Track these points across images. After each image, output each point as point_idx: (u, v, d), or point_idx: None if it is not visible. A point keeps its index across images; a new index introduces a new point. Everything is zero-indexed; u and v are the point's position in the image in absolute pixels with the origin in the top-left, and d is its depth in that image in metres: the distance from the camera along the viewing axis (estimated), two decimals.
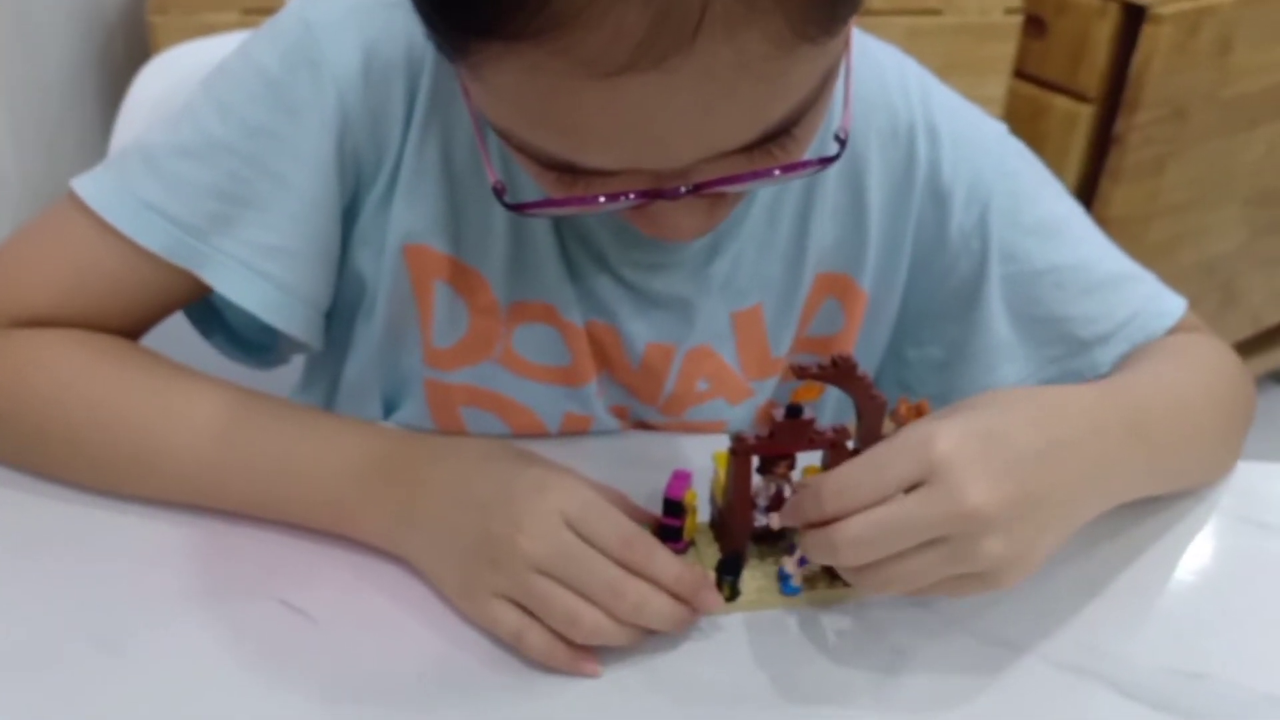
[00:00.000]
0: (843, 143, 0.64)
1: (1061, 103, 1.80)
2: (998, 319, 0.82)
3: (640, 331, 0.79)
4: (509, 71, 0.55)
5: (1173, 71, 1.75)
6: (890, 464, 0.61)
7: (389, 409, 0.84)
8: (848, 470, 0.61)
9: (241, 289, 0.73)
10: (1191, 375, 0.78)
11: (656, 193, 0.60)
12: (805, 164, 0.62)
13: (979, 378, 0.84)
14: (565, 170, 0.60)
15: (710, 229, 0.66)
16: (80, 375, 0.72)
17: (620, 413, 0.84)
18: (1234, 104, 1.86)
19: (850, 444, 0.69)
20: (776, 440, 0.67)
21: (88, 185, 0.73)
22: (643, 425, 0.85)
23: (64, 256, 0.74)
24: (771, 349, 0.83)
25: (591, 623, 0.63)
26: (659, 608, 0.64)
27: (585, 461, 0.73)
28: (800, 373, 0.65)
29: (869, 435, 0.68)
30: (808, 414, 0.67)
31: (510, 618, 0.64)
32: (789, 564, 0.69)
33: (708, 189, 0.60)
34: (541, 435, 0.82)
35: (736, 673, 0.66)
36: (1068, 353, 0.82)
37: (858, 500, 0.60)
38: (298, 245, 0.73)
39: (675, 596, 0.65)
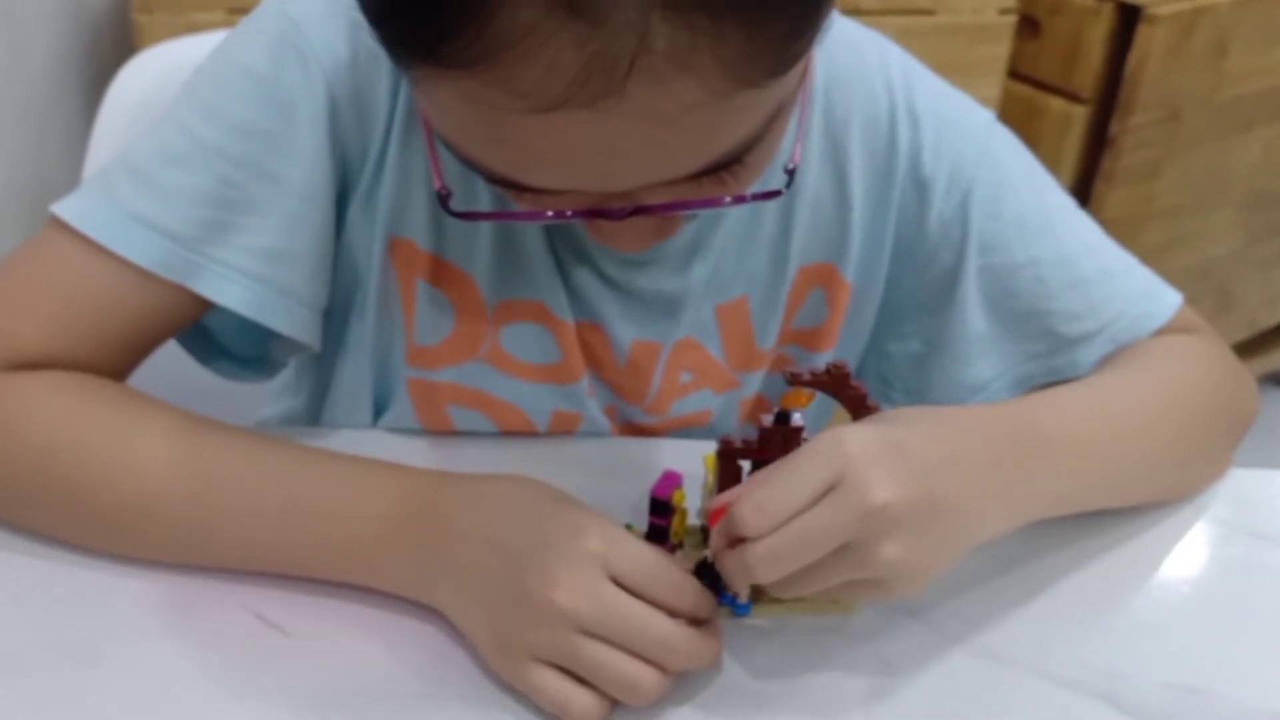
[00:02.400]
0: (790, 174, 0.64)
1: (1056, 104, 1.79)
2: (973, 311, 0.80)
3: (626, 329, 0.78)
4: (447, 93, 0.55)
5: (1168, 73, 1.74)
6: (803, 471, 0.59)
7: (378, 411, 0.82)
8: (763, 487, 0.59)
9: (243, 298, 0.70)
10: (1157, 383, 0.76)
11: (600, 212, 0.60)
12: (753, 196, 0.62)
13: (955, 372, 0.82)
14: (510, 186, 0.59)
15: (660, 242, 0.65)
16: (71, 424, 0.67)
17: (610, 412, 0.82)
18: (1229, 106, 1.85)
19: None
20: (764, 446, 0.66)
21: (70, 205, 0.70)
22: (630, 427, 0.84)
23: (50, 284, 0.70)
24: (757, 341, 0.82)
25: (651, 685, 0.60)
26: (709, 651, 0.62)
27: (572, 467, 0.72)
28: (794, 380, 0.64)
29: None
30: (797, 420, 0.66)
31: (551, 684, 0.60)
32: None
33: (653, 212, 0.60)
34: (530, 433, 0.80)
35: (720, 682, 0.65)
36: (1049, 349, 0.80)
37: (778, 515, 0.58)
38: (296, 246, 0.71)
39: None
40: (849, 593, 0.61)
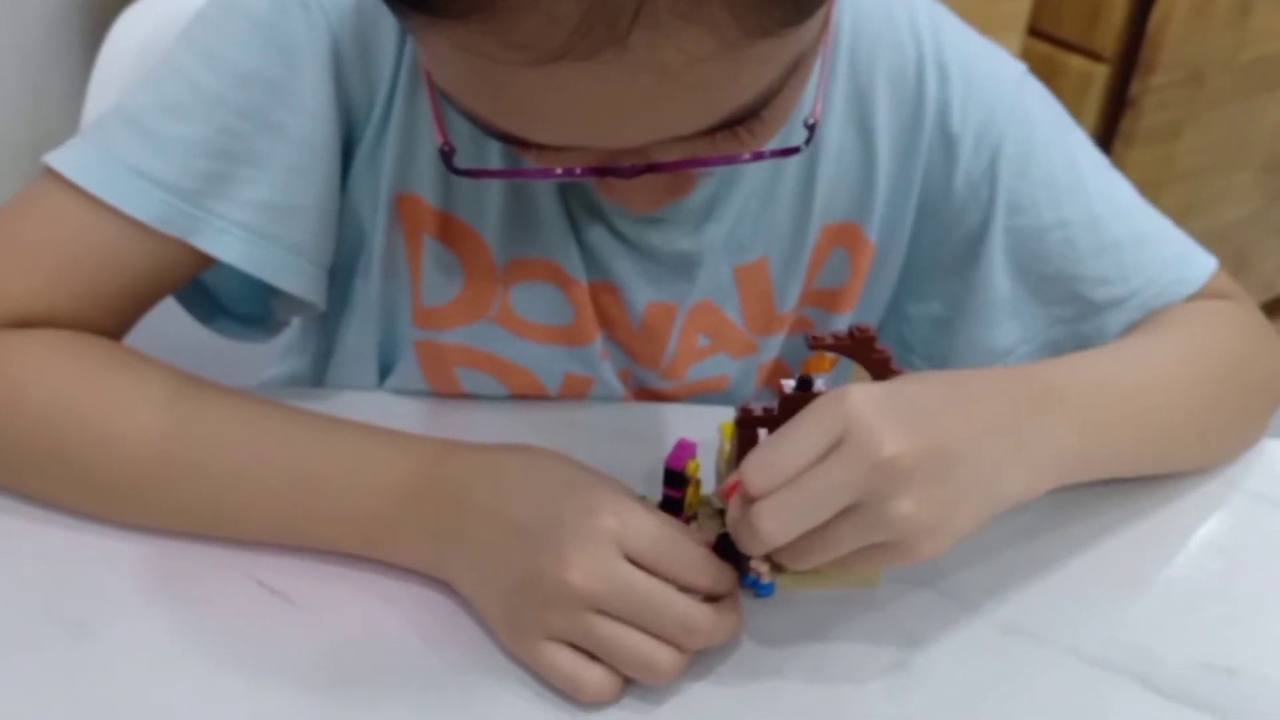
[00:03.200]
0: (811, 130, 0.62)
1: (1076, 62, 1.75)
2: (999, 273, 0.78)
3: (641, 290, 0.76)
4: (443, 45, 0.53)
5: (1190, 33, 1.71)
6: (806, 427, 0.57)
7: (384, 373, 0.79)
8: (767, 446, 0.57)
9: (244, 253, 0.67)
10: (1186, 348, 0.74)
11: (611, 170, 0.58)
12: (771, 153, 0.60)
13: (979, 335, 0.79)
14: (514, 142, 0.57)
15: (674, 201, 0.63)
16: (69, 389, 0.65)
17: (624, 376, 0.80)
18: (1252, 68, 1.82)
19: None
20: (784, 414, 0.63)
21: (65, 157, 0.67)
22: (644, 392, 0.81)
23: (45, 239, 0.67)
24: (777, 304, 0.79)
25: (669, 665, 0.58)
26: (728, 627, 0.60)
27: (584, 432, 0.71)
28: (817, 343, 0.61)
29: None
30: (819, 387, 0.63)
31: (565, 662, 0.58)
32: (755, 565, 0.63)
33: (665, 170, 0.57)
34: (541, 397, 0.78)
35: (737, 655, 0.63)
36: (1077, 314, 0.78)
37: (782, 473, 0.56)
38: (301, 200, 0.68)
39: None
40: (867, 561, 0.59)
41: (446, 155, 0.61)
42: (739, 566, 0.62)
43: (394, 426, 0.66)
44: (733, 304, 0.78)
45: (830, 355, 0.62)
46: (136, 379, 0.66)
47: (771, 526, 0.56)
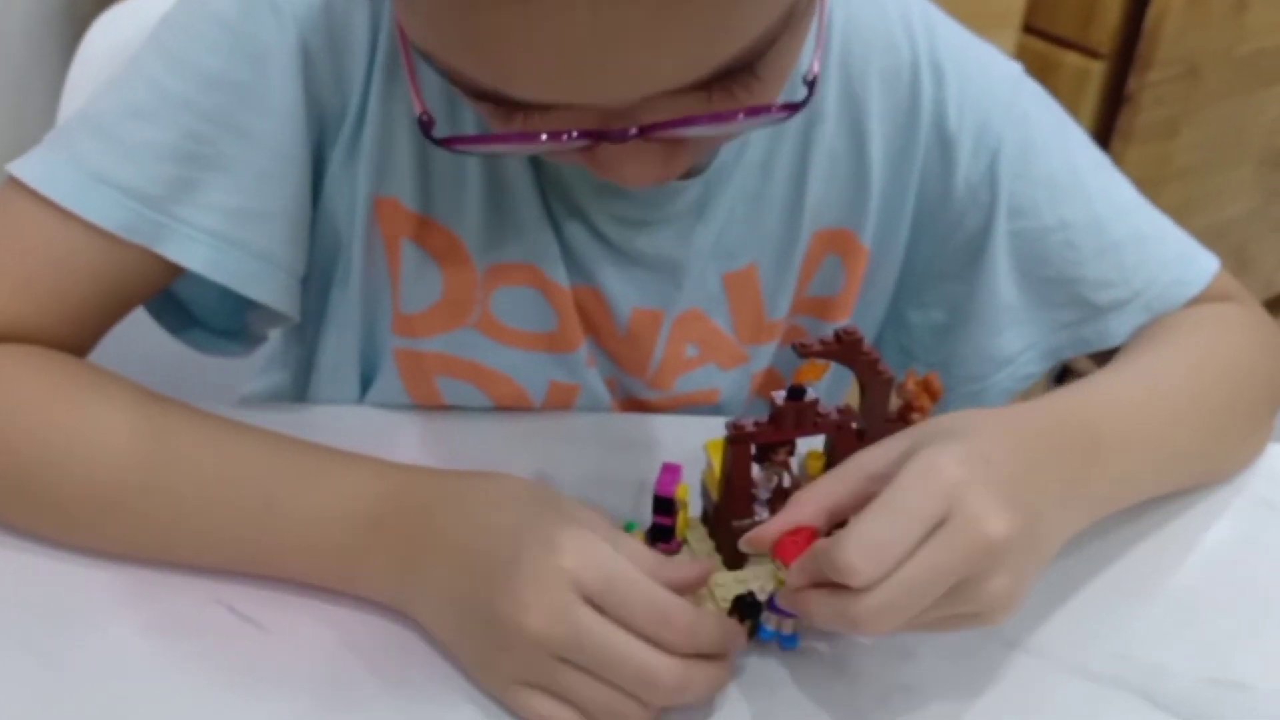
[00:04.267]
0: (811, 86, 0.58)
1: (1072, 59, 1.73)
2: (1003, 279, 0.76)
3: (625, 295, 0.74)
4: None
5: (1187, 28, 1.69)
6: (908, 506, 0.53)
7: (366, 384, 0.77)
8: (869, 528, 0.53)
9: (212, 261, 0.65)
10: (1196, 360, 0.72)
11: (601, 134, 0.54)
12: (767, 108, 0.55)
13: (981, 343, 0.78)
14: (498, 102, 0.54)
15: (667, 178, 0.59)
16: (32, 408, 0.63)
17: (610, 384, 0.78)
18: (1249, 62, 1.80)
19: (855, 425, 0.63)
20: (777, 426, 0.61)
21: (28, 165, 0.65)
22: (631, 403, 0.79)
23: (8, 249, 0.65)
24: (767, 312, 0.77)
25: (639, 718, 0.55)
26: (702, 681, 0.56)
27: (568, 444, 0.69)
28: (804, 351, 0.59)
29: (875, 414, 0.63)
30: (810, 395, 0.61)
31: (539, 707, 0.56)
32: (772, 621, 0.61)
33: (659, 132, 0.54)
34: (525, 407, 0.76)
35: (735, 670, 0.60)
36: (1079, 318, 0.77)
37: (890, 561, 0.52)
38: (270, 206, 0.67)
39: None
40: (942, 627, 0.56)
41: (425, 125, 0.58)
42: (755, 620, 0.60)
43: (376, 441, 0.64)
44: (721, 312, 0.77)
45: (821, 362, 0.60)
46: (99, 399, 0.64)
47: (878, 625, 0.53)
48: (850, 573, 0.52)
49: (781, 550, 0.56)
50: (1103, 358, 0.77)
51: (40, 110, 1.41)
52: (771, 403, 0.61)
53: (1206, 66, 1.75)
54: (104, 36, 0.89)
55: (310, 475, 0.62)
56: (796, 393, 0.61)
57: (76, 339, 0.67)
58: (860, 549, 0.52)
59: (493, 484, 0.61)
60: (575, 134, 0.54)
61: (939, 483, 0.54)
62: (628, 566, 0.55)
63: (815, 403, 0.61)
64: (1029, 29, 1.72)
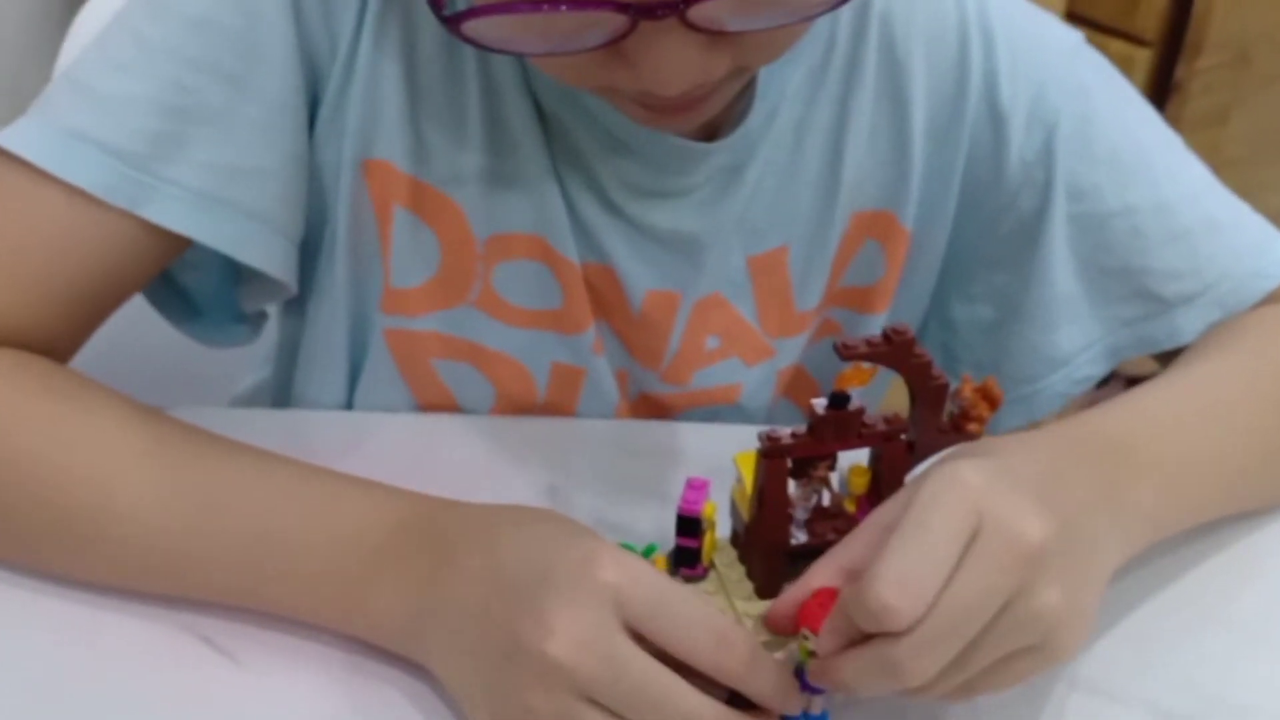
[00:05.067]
0: None
1: (1117, 46, 1.67)
2: (1061, 269, 0.70)
3: (640, 274, 0.68)
4: None
5: (1237, 11, 1.65)
6: (937, 526, 0.46)
7: (354, 372, 0.72)
8: (898, 560, 0.46)
9: (198, 221, 0.61)
10: (1250, 371, 0.66)
11: (641, 6, 0.49)
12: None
13: (1035, 341, 0.72)
14: None
15: (705, 80, 0.54)
16: (6, 422, 0.58)
17: (621, 378, 0.72)
18: None
19: (904, 437, 0.56)
20: (817, 437, 0.54)
21: (9, 133, 0.61)
22: (645, 400, 0.74)
23: None
24: (797, 301, 0.72)
25: None
26: None
27: (580, 452, 0.66)
28: (848, 353, 0.52)
29: (927, 425, 0.56)
30: (855, 403, 0.54)
31: None
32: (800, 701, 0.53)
33: (701, 4, 0.49)
34: (528, 393, 0.71)
35: None
36: (1145, 314, 0.71)
37: (931, 589, 0.45)
38: (263, 161, 0.62)
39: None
40: (1010, 674, 0.49)
41: (436, 4, 0.52)
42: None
43: (369, 446, 0.63)
44: (745, 299, 0.71)
45: (867, 366, 0.53)
46: (80, 413, 0.59)
47: (924, 667, 0.46)
48: (887, 613, 0.45)
49: (807, 616, 0.49)
50: (1165, 360, 0.72)
51: (35, 93, 1.36)
52: (810, 412, 0.54)
53: (1257, 52, 1.70)
54: (97, 15, 0.85)
55: (315, 497, 0.57)
56: (839, 400, 0.54)
57: (67, 327, 0.63)
58: (894, 584, 0.45)
59: (522, 512, 0.54)
60: (609, 6, 0.49)
61: (963, 495, 0.47)
62: (682, 586, 0.50)
63: (860, 412, 0.55)
64: (1071, 15, 1.66)
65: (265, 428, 0.63)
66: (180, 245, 0.63)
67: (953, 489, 0.47)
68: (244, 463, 0.58)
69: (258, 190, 0.62)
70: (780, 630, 0.51)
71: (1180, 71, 1.65)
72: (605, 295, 0.69)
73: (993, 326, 0.74)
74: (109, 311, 0.64)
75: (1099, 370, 0.73)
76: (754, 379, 0.74)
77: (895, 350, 0.53)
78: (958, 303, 0.75)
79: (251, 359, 0.84)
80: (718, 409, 0.74)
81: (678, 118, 0.58)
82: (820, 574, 0.50)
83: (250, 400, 0.84)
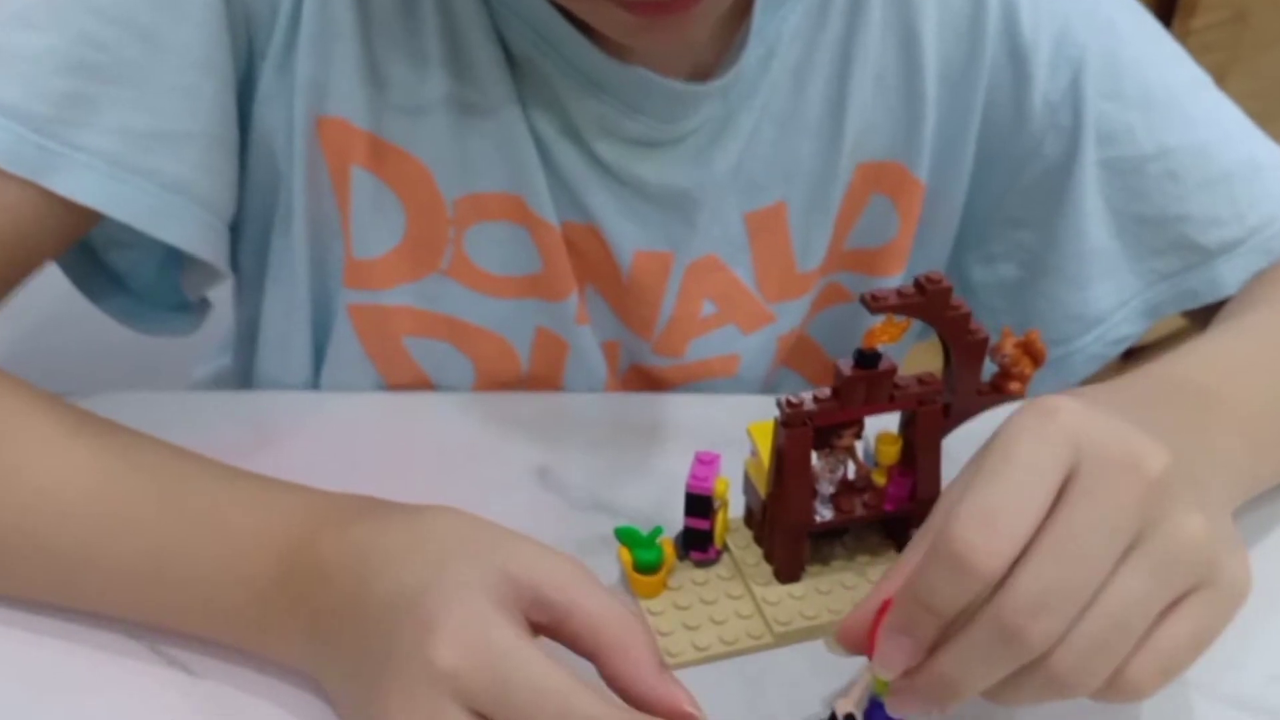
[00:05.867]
0: None
1: None
2: (1093, 219, 0.66)
3: (627, 235, 0.63)
4: None
5: None
6: (1025, 459, 0.39)
7: (320, 354, 0.67)
8: (978, 496, 0.39)
9: (111, 194, 0.55)
10: None
11: None
12: None
13: (1065, 299, 0.68)
14: None
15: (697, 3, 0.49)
16: None
17: (610, 351, 0.67)
18: None
19: (941, 400, 0.51)
20: (844, 401, 0.48)
21: None
22: (637, 373, 0.68)
23: None
24: (798, 261, 0.67)
25: None
26: None
27: (574, 429, 0.60)
28: (877, 304, 0.47)
29: (965, 384, 0.51)
30: (886, 362, 0.48)
31: None
32: None
33: None
34: (511, 369, 0.66)
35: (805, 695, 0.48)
36: (1183, 265, 0.66)
37: (1023, 527, 0.38)
38: (183, 126, 0.57)
39: None
40: (1173, 645, 0.40)
41: None
42: None
43: (342, 431, 0.58)
44: (743, 261, 0.66)
45: (900, 319, 0.47)
46: None
47: (1047, 625, 0.38)
48: (972, 554, 0.38)
49: (875, 634, 0.42)
50: (1201, 319, 0.67)
51: None
52: (837, 372, 0.48)
53: (1255, 10, 1.66)
54: None
55: (201, 521, 0.49)
56: (867, 359, 0.48)
57: None
58: (976, 518, 0.38)
59: (408, 531, 0.46)
60: None
61: (1057, 424, 0.40)
62: (536, 663, 0.40)
63: (891, 371, 0.49)
64: None
65: (223, 412, 0.59)
66: (94, 218, 0.57)
67: (1042, 418, 0.40)
68: (130, 473, 0.51)
69: (176, 158, 0.57)
70: (857, 650, 0.43)
71: (1176, 29, 1.61)
72: (590, 258, 0.64)
73: (1017, 287, 0.69)
74: (13, 286, 0.58)
75: (1136, 329, 0.68)
76: (752, 348, 0.69)
77: (930, 301, 0.48)
78: (977, 266, 0.71)
79: (208, 344, 0.78)
80: (715, 383, 0.68)
81: (666, 24, 0.51)
82: (893, 584, 0.42)
83: (207, 389, 0.77)
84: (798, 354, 0.71)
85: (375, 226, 0.62)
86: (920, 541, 0.43)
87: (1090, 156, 0.64)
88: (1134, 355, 1.80)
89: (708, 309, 0.67)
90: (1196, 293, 0.66)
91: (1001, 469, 0.39)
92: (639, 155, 0.61)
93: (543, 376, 0.66)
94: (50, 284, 0.62)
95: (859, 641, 0.42)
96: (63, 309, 0.66)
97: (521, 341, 0.65)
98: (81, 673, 0.49)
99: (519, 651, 0.40)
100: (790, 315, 0.68)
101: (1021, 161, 0.66)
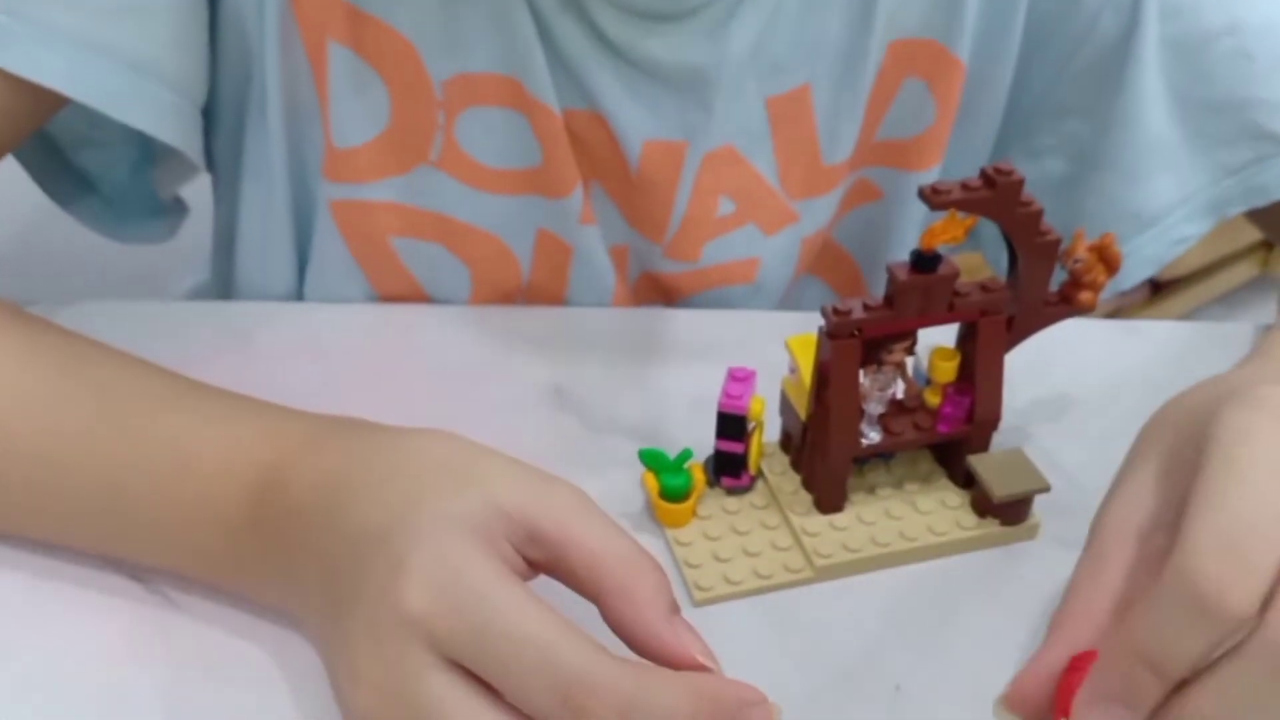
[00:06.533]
0: None
1: None
2: (1151, 105, 0.61)
3: (636, 122, 0.58)
4: None
5: None
6: (1266, 461, 0.33)
7: (302, 262, 0.63)
8: (1217, 516, 0.33)
9: (71, 73, 0.51)
10: None
11: None
12: None
13: (1120, 194, 0.62)
14: None
15: None
16: None
17: (619, 257, 0.62)
18: None
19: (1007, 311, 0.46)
20: (898, 310, 0.43)
21: None
22: (648, 281, 0.63)
23: None
24: (824, 152, 0.62)
25: None
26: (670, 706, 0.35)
27: (591, 345, 0.56)
28: (939, 199, 0.41)
29: (1032, 293, 0.46)
30: (948, 266, 0.43)
31: None
32: None
33: None
34: (511, 275, 0.62)
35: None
36: (1254, 157, 0.61)
37: (1276, 549, 0.32)
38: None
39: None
40: None
41: None
42: None
43: (332, 343, 0.55)
44: (764, 152, 0.61)
45: (963, 216, 0.42)
46: None
47: None
48: (1224, 592, 0.32)
49: (1067, 694, 0.35)
50: (1269, 219, 0.62)
51: None
52: (891, 276, 0.42)
53: None
54: None
55: (166, 462, 0.44)
56: (926, 261, 0.43)
57: None
58: (1220, 549, 0.32)
59: (387, 458, 0.41)
60: None
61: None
62: (517, 607, 0.35)
63: (952, 277, 0.43)
64: None
65: (210, 321, 0.55)
66: (55, 103, 0.53)
67: (1267, 414, 0.34)
68: (88, 397, 0.46)
69: (140, 33, 0.52)
70: (1026, 714, 0.37)
71: None
72: (595, 151, 0.59)
73: (1066, 184, 0.64)
74: None
75: (1199, 229, 0.63)
76: (773, 251, 0.63)
77: (999, 195, 0.43)
78: (1021, 159, 0.65)
79: (200, 254, 0.72)
80: (732, 291, 0.63)
81: None
82: (1076, 625, 0.37)
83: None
84: (823, 260, 0.66)
85: (356, 111, 0.57)
86: (1093, 578, 0.37)
87: (1151, 32, 0.59)
88: (1164, 289, 1.74)
89: (725, 207, 0.61)
90: (1267, 189, 0.61)
91: (1234, 483, 0.33)
92: (648, 29, 0.55)
93: (545, 285, 0.61)
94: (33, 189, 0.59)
95: (1038, 709, 0.36)
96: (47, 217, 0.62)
97: (521, 245, 0.60)
98: (57, 601, 0.46)
99: (498, 594, 0.35)
100: (815, 214, 0.63)
101: (1075, 40, 0.61)
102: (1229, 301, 1.69)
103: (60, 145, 0.59)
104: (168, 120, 0.54)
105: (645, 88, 0.58)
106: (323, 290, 0.61)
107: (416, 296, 0.61)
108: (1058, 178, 0.64)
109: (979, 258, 0.67)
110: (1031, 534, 0.48)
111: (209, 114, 0.58)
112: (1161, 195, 0.62)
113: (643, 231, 0.61)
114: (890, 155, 0.63)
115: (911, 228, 0.64)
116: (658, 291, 0.63)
